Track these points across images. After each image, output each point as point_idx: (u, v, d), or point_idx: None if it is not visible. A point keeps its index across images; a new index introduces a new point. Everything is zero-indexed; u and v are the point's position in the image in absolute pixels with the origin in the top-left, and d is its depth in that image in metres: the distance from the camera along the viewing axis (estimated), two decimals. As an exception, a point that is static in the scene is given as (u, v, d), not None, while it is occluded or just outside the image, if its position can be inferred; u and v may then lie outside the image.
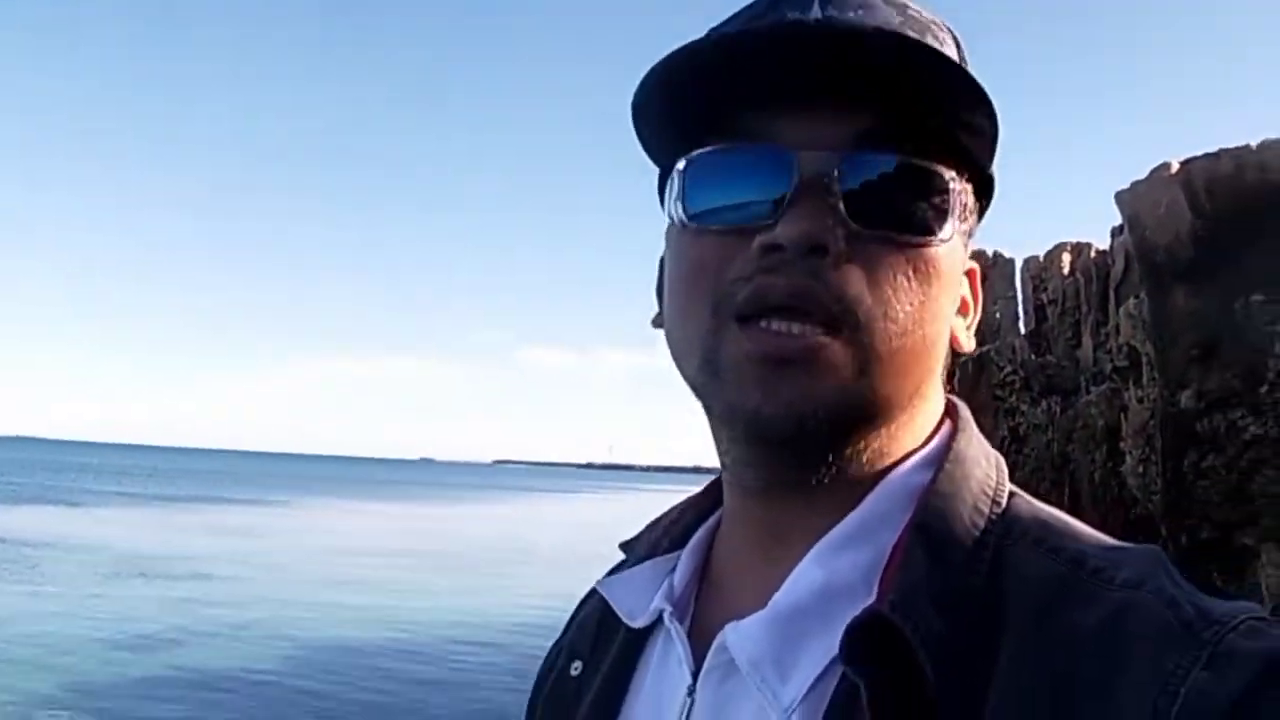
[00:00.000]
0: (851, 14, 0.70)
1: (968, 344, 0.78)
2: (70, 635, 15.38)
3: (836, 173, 0.67)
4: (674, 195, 0.74)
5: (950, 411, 0.79)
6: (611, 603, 0.83)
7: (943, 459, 0.73)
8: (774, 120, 0.69)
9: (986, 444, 0.77)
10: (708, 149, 0.72)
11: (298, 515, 48.56)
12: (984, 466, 0.74)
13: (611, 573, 0.88)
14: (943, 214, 0.69)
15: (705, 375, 0.71)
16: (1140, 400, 7.78)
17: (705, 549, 0.82)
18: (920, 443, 0.75)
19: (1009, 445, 9.06)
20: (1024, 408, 9.16)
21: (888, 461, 0.72)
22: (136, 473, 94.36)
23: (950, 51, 0.73)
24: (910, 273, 0.69)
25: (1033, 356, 9.59)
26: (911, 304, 0.68)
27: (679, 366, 0.74)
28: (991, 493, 0.72)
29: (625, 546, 0.92)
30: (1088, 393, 8.71)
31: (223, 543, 31.42)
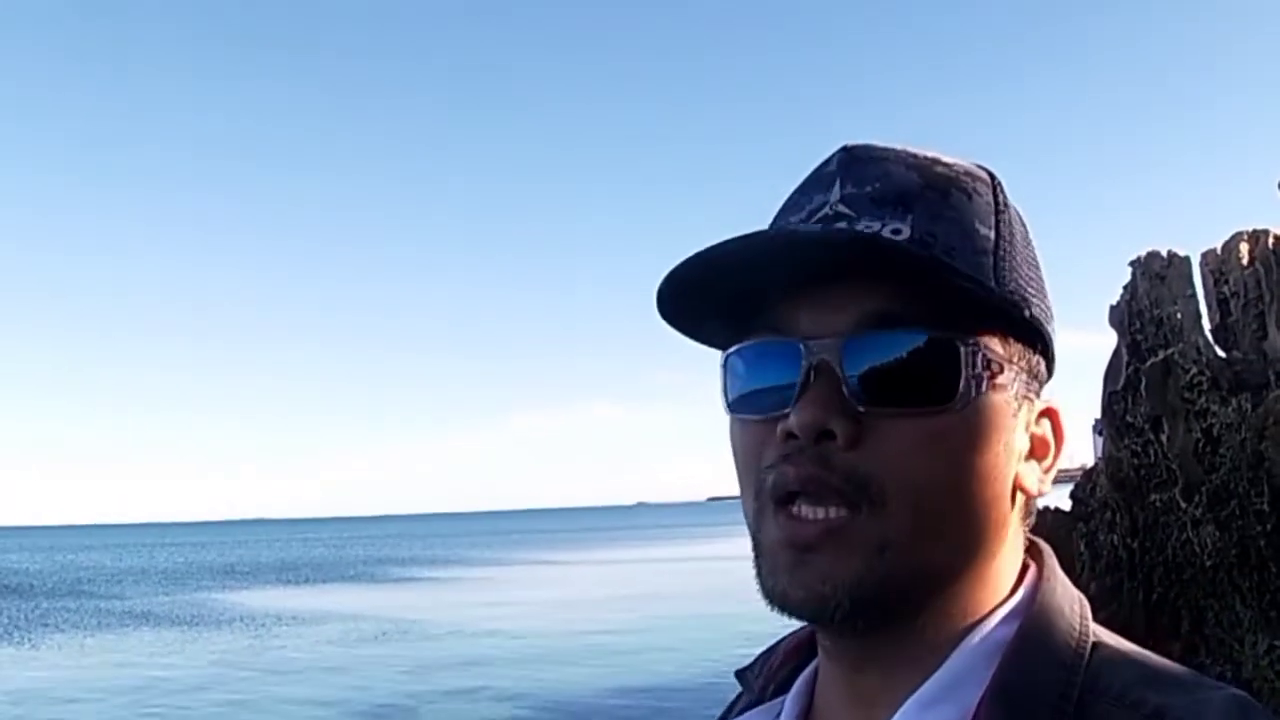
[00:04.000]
0: (869, 187, 0.74)
1: (1036, 488, 0.77)
2: (311, 705, 16.46)
3: (838, 357, 0.71)
4: (720, 387, 0.79)
5: (1035, 558, 0.79)
6: None
7: (1025, 612, 0.73)
8: (791, 311, 0.74)
9: (1071, 587, 0.77)
10: (738, 346, 0.77)
11: (521, 572, 50.03)
12: (1067, 616, 0.74)
13: (730, 709, 0.90)
14: (954, 379, 0.70)
15: (754, 554, 0.75)
16: (1330, 391, 7.54)
17: (807, 696, 0.83)
18: (1001, 597, 0.75)
19: (1203, 447, 8.80)
20: (1214, 408, 8.85)
21: (962, 621, 0.73)
22: (370, 539, 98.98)
23: (980, 200, 0.76)
24: (928, 442, 0.70)
25: (1219, 354, 9.30)
26: (935, 472, 0.70)
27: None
28: (1074, 644, 0.72)
29: (740, 676, 0.92)
30: (1277, 387, 8.45)
31: (458, 604, 32.70)
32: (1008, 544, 0.76)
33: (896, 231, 0.72)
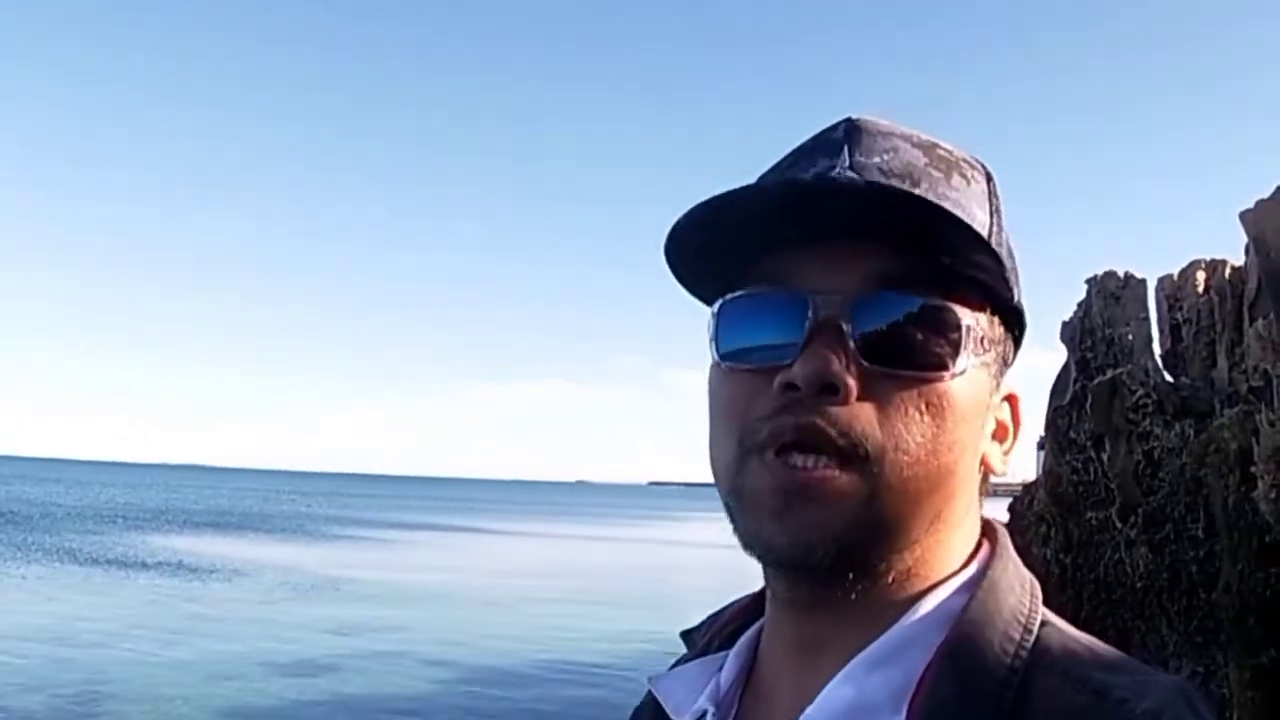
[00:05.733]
0: (878, 158, 0.75)
1: (1000, 468, 0.80)
2: (234, 656, 16.30)
3: (848, 314, 0.72)
4: (709, 337, 0.79)
5: (989, 535, 0.82)
6: (660, 699, 0.86)
7: (978, 584, 0.75)
8: (797, 265, 0.74)
9: (1024, 569, 0.80)
10: (736, 295, 0.77)
11: (462, 540, 49.93)
12: (1018, 593, 0.76)
13: (673, 666, 0.91)
14: (954, 350, 0.73)
15: (731, 502, 0.76)
16: (1272, 424, 7.58)
17: (751, 651, 0.85)
18: (956, 566, 0.77)
19: (1143, 469, 8.90)
20: (1158, 431, 8.95)
21: (919, 583, 0.75)
22: (295, 496, 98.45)
23: (977, 187, 0.78)
24: (923, 407, 0.72)
25: (1166, 378, 9.39)
26: (924, 436, 0.72)
27: (718, 488, 0.78)
28: (1024, 620, 0.73)
29: (686, 636, 0.95)
30: (1222, 415, 8.52)
31: (393, 565, 32.60)
32: (969, 516, 0.79)
33: None
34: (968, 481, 0.76)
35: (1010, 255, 0.78)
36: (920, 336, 0.72)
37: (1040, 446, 11.22)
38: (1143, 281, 10.05)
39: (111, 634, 17.62)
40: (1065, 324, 10.42)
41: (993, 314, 0.77)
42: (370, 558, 35.68)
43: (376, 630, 19.24)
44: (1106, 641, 0.73)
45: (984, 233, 0.73)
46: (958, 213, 0.71)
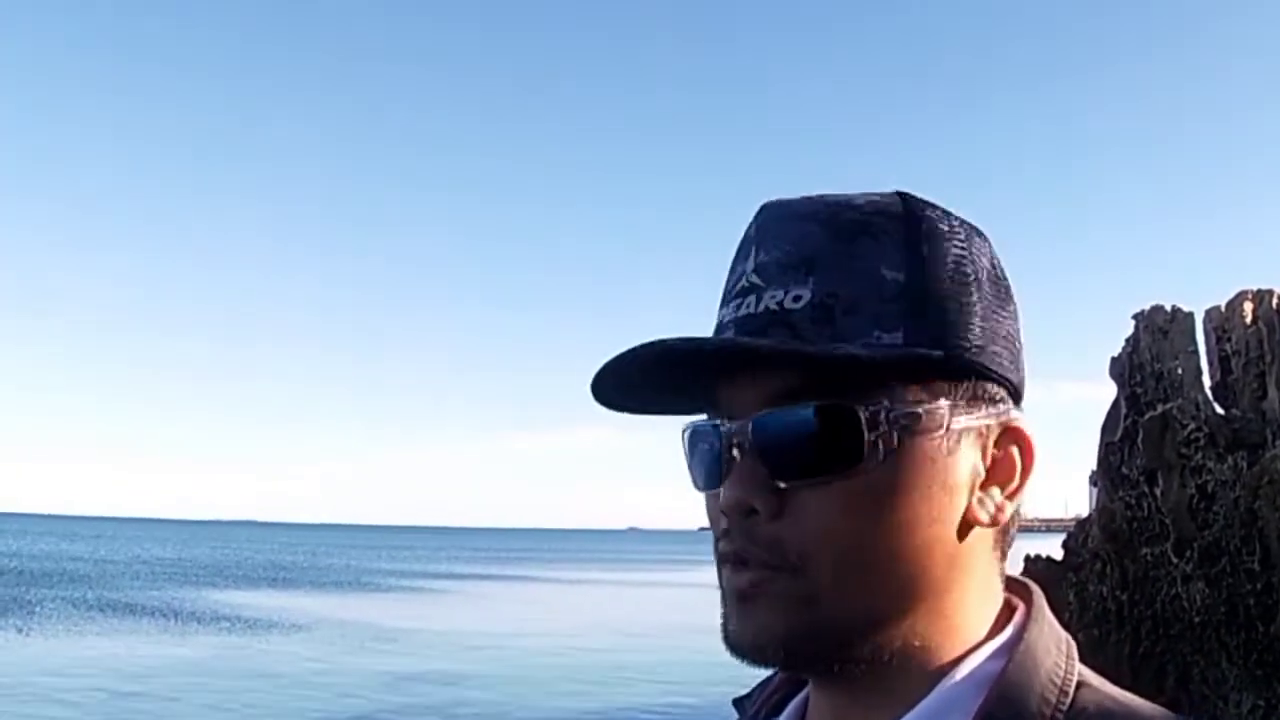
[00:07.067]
0: (779, 253, 0.76)
1: (987, 518, 0.76)
2: (291, 712, 16.45)
3: (749, 436, 0.74)
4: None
5: (1023, 596, 0.81)
6: None
7: (1014, 647, 0.75)
8: (718, 392, 0.78)
9: (1059, 629, 0.79)
10: (691, 423, 0.82)
11: (514, 588, 49.89)
12: (1054, 655, 0.75)
13: None
14: (857, 444, 0.72)
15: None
16: (1325, 454, 7.59)
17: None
18: (982, 630, 0.77)
19: (1197, 503, 8.84)
20: (1210, 464, 8.88)
21: (936, 651, 0.75)
22: (359, 548, 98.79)
23: (888, 241, 0.76)
24: (846, 506, 0.72)
25: (1217, 411, 9.35)
26: (854, 532, 0.72)
27: None
28: (1059, 682, 0.73)
29: (738, 704, 0.94)
30: (1274, 446, 8.49)
31: (446, 617, 32.64)
32: (966, 578, 0.77)
33: (798, 299, 0.73)
34: (931, 552, 0.74)
35: (940, 300, 0.75)
36: (819, 442, 0.72)
37: (1093, 482, 11.17)
38: (1189, 315, 10.03)
39: (176, 686, 17.90)
40: (1114, 360, 10.42)
41: (926, 376, 0.74)
42: (425, 609, 35.78)
43: (433, 682, 19.22)
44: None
45: (893, 293, 0.74)
46: (858, 287, 0.74)
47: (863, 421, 0.72)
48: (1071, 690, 0.73)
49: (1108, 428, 10.17)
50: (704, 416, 0.80)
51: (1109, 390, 10.47)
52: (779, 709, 0.87)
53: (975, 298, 0.77)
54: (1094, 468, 10.54)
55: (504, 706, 17.28)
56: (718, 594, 0.77)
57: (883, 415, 0.72)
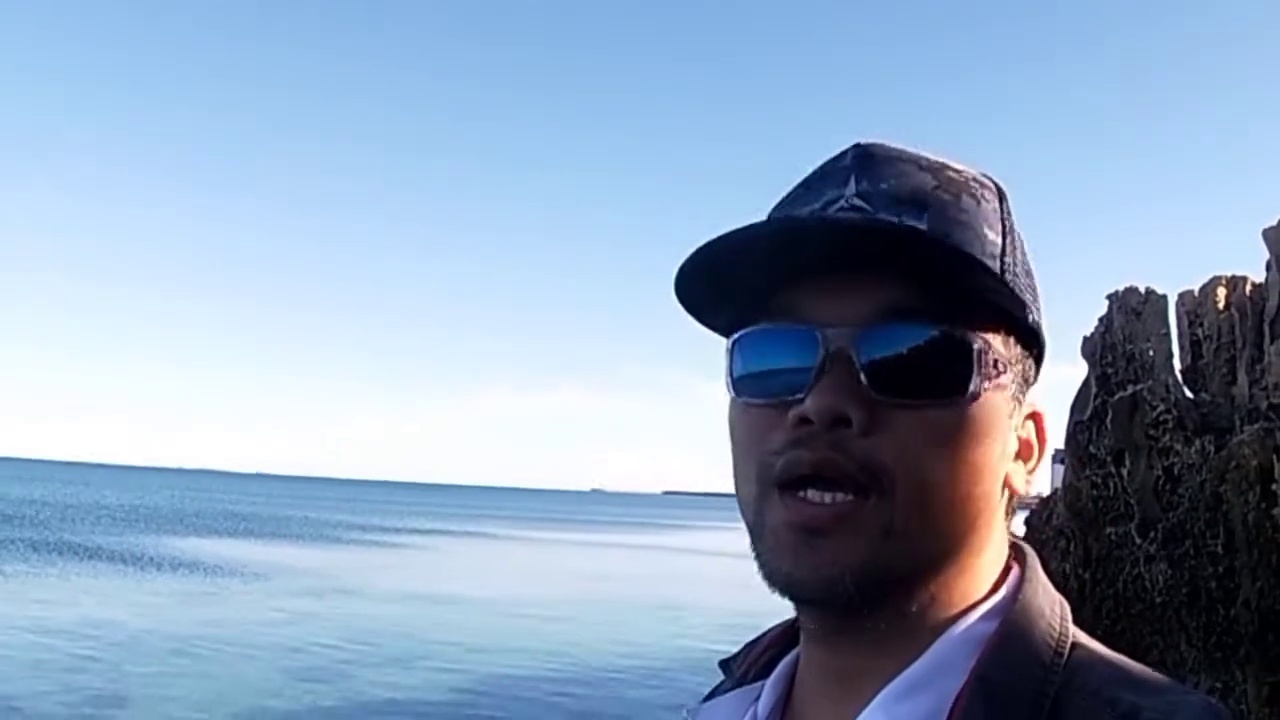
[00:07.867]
0: (885, 184, 0.75)
1: (1022, 488, 0.79)
2: (251, 660, 16.41)
3: (856, 347, 0.72)
4: (725, 370, 0.79)
5: (1018, 558, 0.81)
6: None
7: (1009, 608, 0.75)
8: (807, 298, 0.74)
9: (1053, 590, 0.79)
10: (749, 329, 0.77)
11: (476, 545, 50.02)
12: (1049, 615, 0.76)
13: (709, 695, 0.91)
14: (965, 376, 0.72)
15: (753, 537, 0.76)
16: (1292, 441, 7.62)
17: (787, 681, 0.84)
18: (985, 591, 0.77)
19: (1163, 485, 8.90)
20: (1178, 447, 8.95)
21: (948, 610, 0.75)
22: (306, 501, 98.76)
23: (988, 206, 0.77)
24: (937, 434, 0.72)
25: (1187, 394, 9.40)
26: (940, 463, 0.72)
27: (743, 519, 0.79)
28: (1054, 642, 0.73)
29: (724, 665, 0.94)
30: (1241, 431, 8.53)
31: (407, 571, 32.68)
32: (994, 539, 0.78)
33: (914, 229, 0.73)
34: (989, 505, 0.76)
35: (1027, 273, 0.79)
36: (929, 365, 0.72)
37: (1057, 460, 11.23)
38: (1164, 297, 10.06)
39: (135, 631, 17.79)
40: (1086, 339, 10.44)
41: (1007, 334, 0.76)
42: (385, 562, 35.77)
43: (392, 635, 19.26)
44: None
45: (995, 252, 0.75)
46: (967, 236, 0.74)
47: (974, 355, 0.73)
48: (1066, 650, 0.73)
49: (1077, 406, 10.19)
50: (763, 325, 0.77)
51: (1078, 370, 10.50)
52: (767, 670, 0.86)
53: (1037, 285, 0.81)
54: (1059, 447, 10.59)
55: (462, 658, 17.33)
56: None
57: (987, 356, 0.74)
